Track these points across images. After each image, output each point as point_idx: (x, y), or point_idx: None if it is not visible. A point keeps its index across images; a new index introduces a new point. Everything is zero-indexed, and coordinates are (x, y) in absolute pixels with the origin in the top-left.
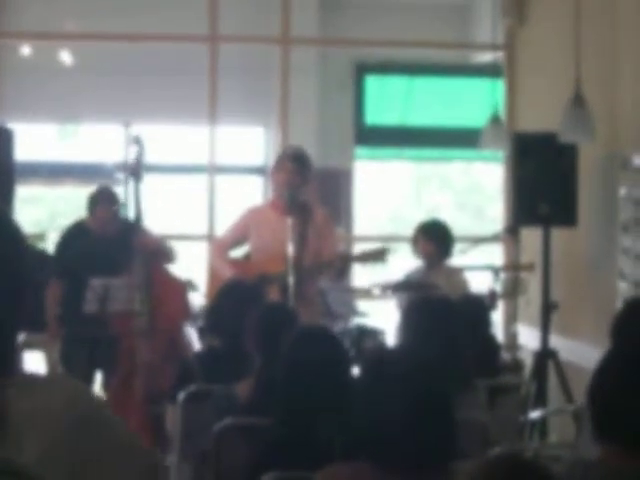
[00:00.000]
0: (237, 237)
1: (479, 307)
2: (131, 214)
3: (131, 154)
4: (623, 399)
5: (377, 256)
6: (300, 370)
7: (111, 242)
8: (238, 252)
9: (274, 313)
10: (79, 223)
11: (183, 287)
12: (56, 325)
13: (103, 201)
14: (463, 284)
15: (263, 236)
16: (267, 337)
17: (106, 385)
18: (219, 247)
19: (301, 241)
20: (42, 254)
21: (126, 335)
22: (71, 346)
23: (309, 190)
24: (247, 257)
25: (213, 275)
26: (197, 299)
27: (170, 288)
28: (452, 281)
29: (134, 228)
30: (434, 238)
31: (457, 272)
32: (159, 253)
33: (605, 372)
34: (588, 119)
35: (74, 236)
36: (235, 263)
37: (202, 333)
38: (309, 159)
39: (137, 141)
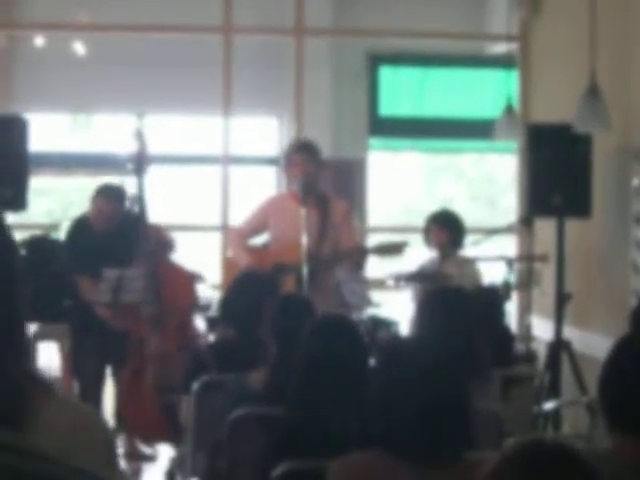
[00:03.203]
0: (256, 226)
1: (493, 298)
2: (136, 207)
3: (133, 148)
4: (635, 388)
5: (395, 249)
6: (319, 359)
7: (111, 236)
8: (258, 241)
9: (291, 303)
10: (81, 218)
11: (190, 277)
12: (113, 314)
13: (102, 195)
14: (476, 275)
15: (282, 225)
16: (283, 327)
17: (116, 377)
18: (238, 235)
19: (319, 231)
20: (56, 244)
21: (136, 326)
22: (80, 340)
23: (325, 180)
24: (266, 246)
25: (230, 264)
26: (205, 290)
27: (177, 278)
28: (465, 272)
29: (135, 221)
30: (447, 227)
31: (470, 263)
32: (161, 243)
33: (617, 361)
34: (603, 110)
35: (77, 231)
36: (253, 251)
37: (213, 323)
38: (314, 145)
39: (139, 135)
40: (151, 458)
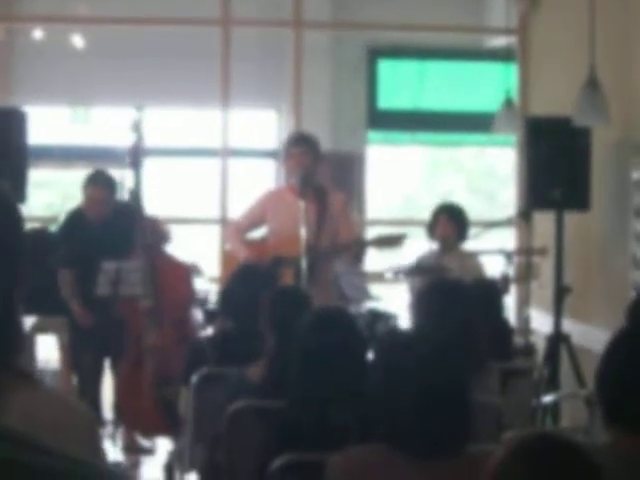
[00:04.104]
0: (254, 219)
1: (492, 291)
2: (132, 199)
3: (130, 141)
4: (632, 382)
5: (394, 242)
6: (316, 352)
7: (106, 226)
8: (256, 234)
9: (288, 296)
10: (75, 211)
11: (187, 270)
12: (84, 311)
13: (94, 182)
14: (477, 268)
15: (280, 219)
16: (280, 320)
17: (115, 370)
18: (236, 229)
19: (318, 224)
20: (55, 237)
21: (132, 319)
22: (79, 332)
23: (323, 174)
24: (264, 239)
25: (229, 257)
26: (203, 283)
27: (174, 271)
28: (466, 265)
29: (129, 212)
30: (454, 219)
31: (472, 256)
32: (156, 234)
33: (613, 355)
34: (602, 103)
35: (72, 225)
36: (251, 244)
37: (211, 316)
38: (312, 138)
39: (136, 127)
40: (149, 451)
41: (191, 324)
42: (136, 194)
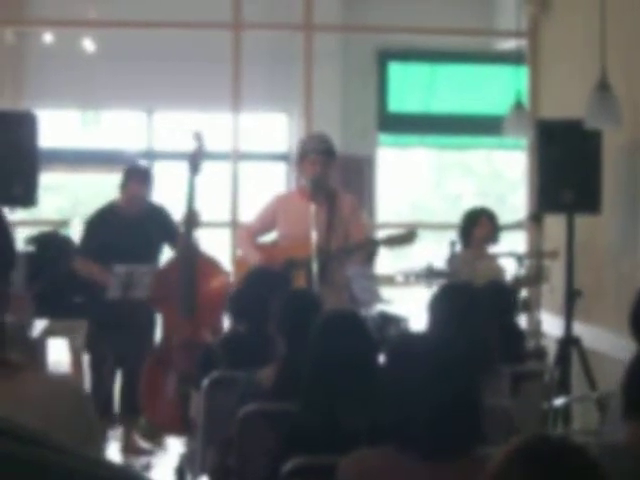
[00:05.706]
0: (265, 224)
1: (504, 294)
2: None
3: (191, 148)
4: None
5: (406, 239)
6: (328, 356)
7: (137, 224)
8: (266, 239)
9: (299, 299)
10: (109, 205)
11: (226, 276)
12: (105, 272)
13: (137, 176)
14: (494, 270)
15: (290, 222)
16: (291, 323)
17: (125, 370)
18: (247, 233)
19: (328, 226)
20: (65, 241)
21: (167, 316)
22: (97, 332)
23: (333, 176)
24: (275, 243)
25: (240, 261)
26: None
27: (213, 276)
28: (480, 267)
29: (160, 211)
30: (493, 221)
31: (486, 258)
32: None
33: None
34: (613, 105)
35: (103, 219)
36: (263, 248)
37: None
38: (333, 145)
39: (198, 137)
40: (150, 452)
41: (221, 325)
42: (190, 200)
